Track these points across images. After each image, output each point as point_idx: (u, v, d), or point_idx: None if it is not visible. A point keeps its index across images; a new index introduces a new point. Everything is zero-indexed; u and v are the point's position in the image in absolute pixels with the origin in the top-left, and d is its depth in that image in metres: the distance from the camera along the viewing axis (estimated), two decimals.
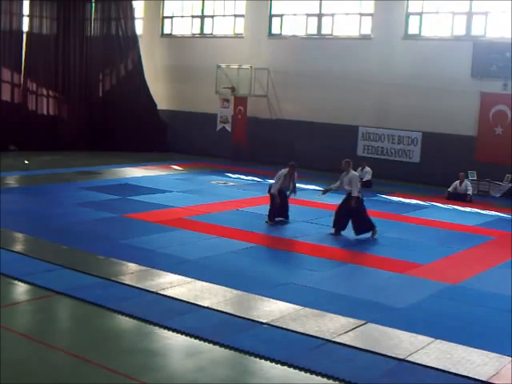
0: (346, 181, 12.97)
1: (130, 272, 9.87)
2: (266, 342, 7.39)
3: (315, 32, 23.74)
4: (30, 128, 25.44)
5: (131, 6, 27.05)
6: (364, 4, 22.67)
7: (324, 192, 13.78)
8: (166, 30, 27.77)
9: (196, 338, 7.39)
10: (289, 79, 24.10)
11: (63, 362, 6.78)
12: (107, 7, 27.06)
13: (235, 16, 25.65)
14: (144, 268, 10.02)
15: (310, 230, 13.53)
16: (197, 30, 26.88)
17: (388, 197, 18.20)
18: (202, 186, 18.68)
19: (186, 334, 7.47)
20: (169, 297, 8.76)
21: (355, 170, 20.16)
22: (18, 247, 11.14)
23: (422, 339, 7.60)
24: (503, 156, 19.83)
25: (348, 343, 7.41)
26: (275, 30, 24.72)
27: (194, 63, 26.38)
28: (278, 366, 6.79)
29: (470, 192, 18.47)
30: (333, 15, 23.31)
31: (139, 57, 26.94)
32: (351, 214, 12.81)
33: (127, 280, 9.44)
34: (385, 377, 6.68)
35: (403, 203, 17.29)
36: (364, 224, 12.81)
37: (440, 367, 6.88)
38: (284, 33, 24.56)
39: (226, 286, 9.25)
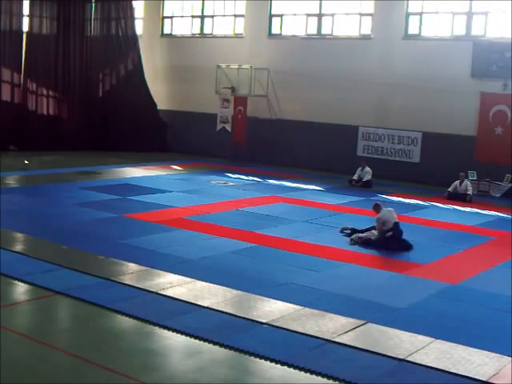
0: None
1: (130, 272, 9.86)
2: (265, 341, 7.39)
3: (315, 32, 23.74)
4: (30, 128, 25.45)
5: (131, 6, 27.05)
6: (364, 4, 22.67)
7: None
8: (166, 30, 27.77)
9: (196, 338, 7.38)
10: (289, 79, 24.10)
11: (63, 361, 6.78)
12: (107, 7, 27.06)
13: (235, 16, 25.64)
14: (144, 268, 10.02)
15: (309, 229, 13.53)
16: (197, 30, 26.88)
17: (388, 197, 18.20)
18: (202, 186, 18.68)
19: (186, 334, 7.47)
20: (169, 297, 8.76)
21: (355, 170, 20.41)
22: (18, 247, 11.13)
23: (422, 339, 7.61)
24: (503, 156, 19.83)
25: (348, 343, 7.41)
26: (275, 30, 24.71)
27: (194, 63, 26.39)
28: (278, 365, 6.79)
29: (470, 192, 18.46)
30: (333, 15, 23.30)
31: (139, 57, 26.95)
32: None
33: (127, 280, 9.44)
34: (385, 377, 6.68)
35: (403, 203, 17.28)
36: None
37: (440, 367, 6.88)
38: (284, 33, 24.55)
39: (226, 286, 9.25)
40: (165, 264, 10.29)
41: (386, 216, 12.56)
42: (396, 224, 12.42)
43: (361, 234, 12.59)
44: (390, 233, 12.30)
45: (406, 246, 12.30)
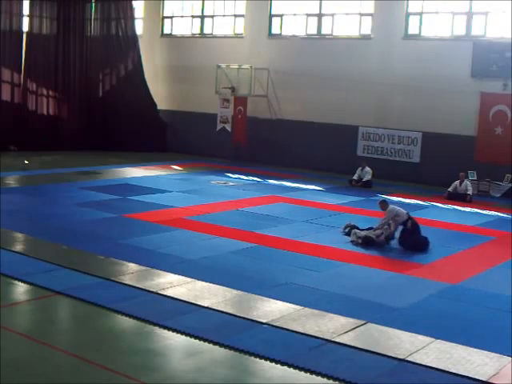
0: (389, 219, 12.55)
1: (130, 272, 9.87)
2: (265, 341, 7.39)
3: (315, 32, 23.74)
4: (30, 128, 25.44)
5: (131, 5, 27.04)
6: (364, 4, 22.66)
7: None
8: (166, 30, 27.77)
9: (196, 338, 7.39)
10: (289, 79, 24.09)
11: (63, 362, 6.78)
12: (107, 7, 27.06)
13: (235, 16, 25.64)
14: (144, 268, 10.02)
15: (309, 229, 13.53)
16: (197, 30, 26.88)
17: (388, 197, 18.17)
18: (202, 185, 18.68)
19: (186, 334, 7.47)
20: (169, 297, 8.76)
21: (355, 170, 20.41)
22: (18, 247, 11.14)
23: (422, 339, 7.61)
24: (503, 156, 19.83)
25: (348, 343, 7.42)
26: (275, 30, 24.71)
27: (194, 63, 26.39)
28: (278, 365, 6.79)
29: (470, 192, 18.46)
30: (333, 15, 23.30)
31: (139, 57, 26.94)
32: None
33: (127, 280, 9.44)
34: (385, 377, 6.69)
35: (403, 203, 17.25)
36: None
37: (440, 367, 6.88)
38: (284, 33, 24.55)
39: (226, 286, 9.26)
40: (165, 264, 10.29)
41: (396, 209, 12.60)
42: (409, 215, 12.48)
43: (359, 233, 12.54)
44: (410, 222, 12.29)
45: (424, 244, 12.21)
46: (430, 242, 12.38)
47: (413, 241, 12.29)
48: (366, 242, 12.28)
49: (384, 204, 12.74)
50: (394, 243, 12.49)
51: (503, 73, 19.83)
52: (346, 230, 13.05)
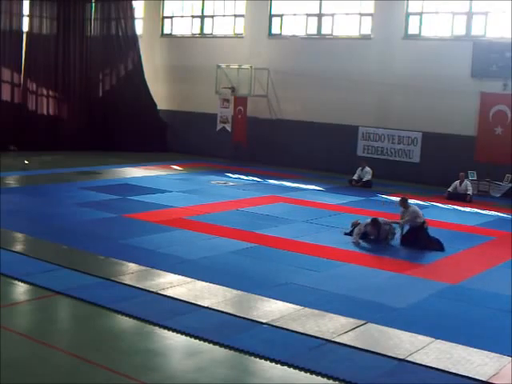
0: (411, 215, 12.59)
1: (130, 272, 9.87)
2: (265, 341, 7.39)
3: (315, 32, 23.74)
4: (30, 128, 25.46)
5: (131, 5, 27.05)
6: (364, 4, 22.67)
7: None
8: (166, 30, 27.77)
9: (196, 338, 7.39)
10: (289, 79, 24.10)
11: (63, 362, 6.78)
12: (107, 7, 27.07)
13: (235, 16, 25.64)
14: (144, 268, 10.02)
15: (309, 229, 13.53)
16: (197, 30, 26.88)
17: (388, 197, 18.20)
18: (202, 185, 18.68)
19: (186, 334, 7.47)
20: (169, 297, 8.76)
21: (355, 170, 20.40)
22: (18, 247, 11.14)
23: (422, 339, 7.61)
24: (503, 156, 19.83)
25: (348, 343, 7.42)
26: (275, 30, 24.71)
27: (194, 63, 26.39)
28: (278, 365, 6.79)
29: (470, 192, 18.46)
30: (333, 15, 23.30)
31: (139, 57, 26.95)
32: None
33: (127, 280, 9.44)
34: (385, 377, 6.68)
35: None
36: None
37: (440, 367, 6.88)
38: (284, 33, 24.55)
39: (226, 286, 9.26)
40: (165, 264, 10.29)
41: (418, 209, 12.74)
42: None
43: (366, 221, 12.55)
44: (426, 224, 12.47)
45: (438, 245, 12.29)
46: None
47: (428, 240, 12.40)
48: (374, 224, 12.37)
49: (405, 203, 12.78)
50: (393, 243, 12.51)
51: (503, 73, 19.83)
52: (352, 229, 12.96)
